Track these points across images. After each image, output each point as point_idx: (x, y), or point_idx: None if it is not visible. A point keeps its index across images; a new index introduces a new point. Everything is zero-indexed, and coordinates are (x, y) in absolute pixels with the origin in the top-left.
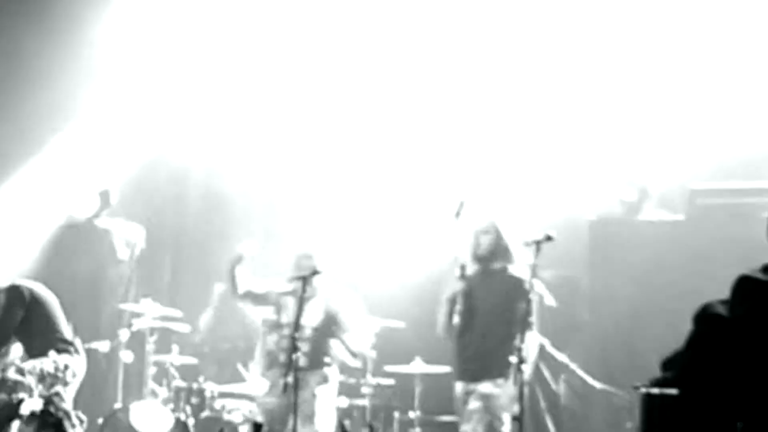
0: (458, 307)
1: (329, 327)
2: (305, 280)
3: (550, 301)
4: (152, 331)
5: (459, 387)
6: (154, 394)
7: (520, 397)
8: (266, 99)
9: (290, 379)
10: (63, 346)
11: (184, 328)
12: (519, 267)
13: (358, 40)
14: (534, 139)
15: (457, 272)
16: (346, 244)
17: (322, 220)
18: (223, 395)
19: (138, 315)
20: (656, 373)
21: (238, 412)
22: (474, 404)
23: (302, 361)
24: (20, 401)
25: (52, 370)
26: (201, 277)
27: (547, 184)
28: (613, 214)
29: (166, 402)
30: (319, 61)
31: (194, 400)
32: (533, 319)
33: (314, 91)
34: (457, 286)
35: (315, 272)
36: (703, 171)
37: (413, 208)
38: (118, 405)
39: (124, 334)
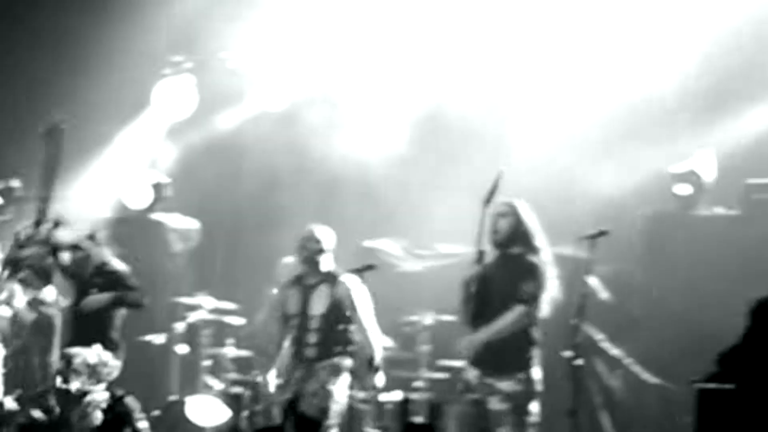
0: (472, 291)
1: (336, 313)
2: (361, 273)
3: (604, 295)
4: (206, 324)
5: (472, 374)
6: (208, 386)
7: (576, 391)
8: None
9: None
10: (110, 344)
11: (238, 321)
12: (540, 254)
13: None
14: (588, 131)
15: (475, 257)
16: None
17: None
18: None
19: (193, 308)
20: (711, 367)
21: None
22: (500, 406)
23: (310, 352)
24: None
25: (94, 363)
26: (254, 270)
27: (602, 178)
28: (668, 209)
29: (220, 395)
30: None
31: (248, 392)
32: (531, 299)
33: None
34: (473, 270)
35: (370, 267)
36: (759, 166)
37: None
38: (173, 397)
39: (179, 327)
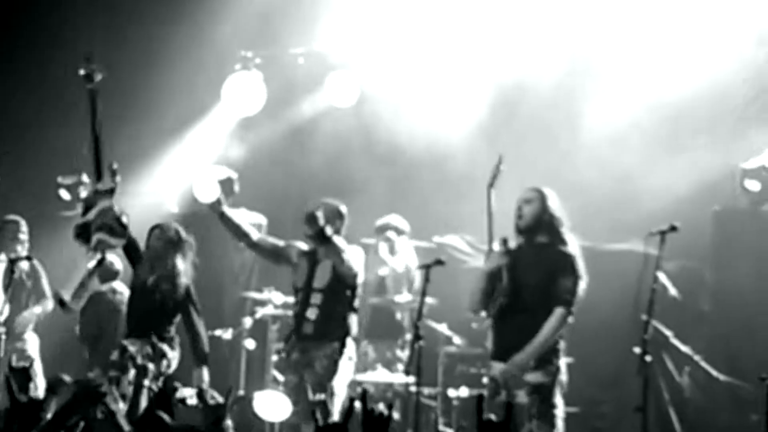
0: (501, 283)
1: (337, 286)
2: (430, 269)
3: (673, 292)
4: (274, 319)
5: (498, 367)
6: (275, 381)
7: (645, 387)
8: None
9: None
10: (168, 335)
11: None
12: (570, 246)
13: None
14: (659, 126)
15: (499, 246)
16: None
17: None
18: None
19: (261, 303)
20: None
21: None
22: (527, 399)
23: (308, 329)
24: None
25: (151, 353)
26: None
27: (672, 174)
28: (738, 205)
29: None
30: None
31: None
32: (572, 299)
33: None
34: (500, 260)
35: (439, 262)
36: None
37: None
38: (240, 392)
39: (246, 322)
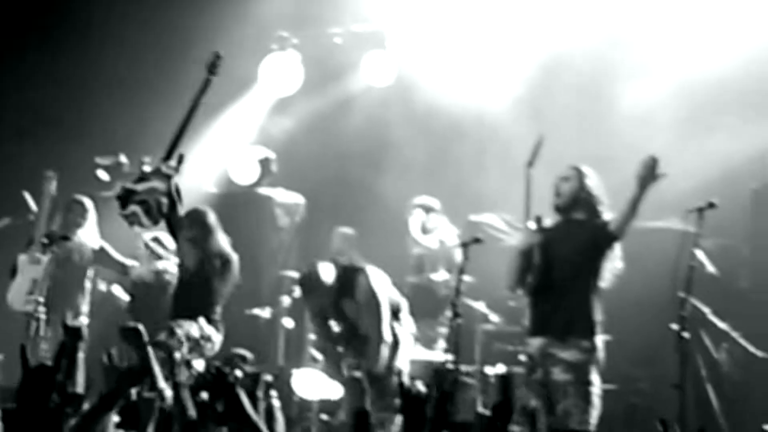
0: (535, 261)
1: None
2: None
3: (711, 269)
4: None
5: (536, 343)
6: (313, 360)
7: (682, 364)
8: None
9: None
10: (214, 318)
11: None
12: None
13: None
14: (698, 103)
15: (532, 224)
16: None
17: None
18: None
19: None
20: None
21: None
22: (563, 376)
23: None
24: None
25: (197, 336)
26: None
27: (711, 151)
28: None
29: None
30: None
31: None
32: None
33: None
34: (533, 238)
35: (476, 240)
36: None
37: None
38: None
39: (285, 301)
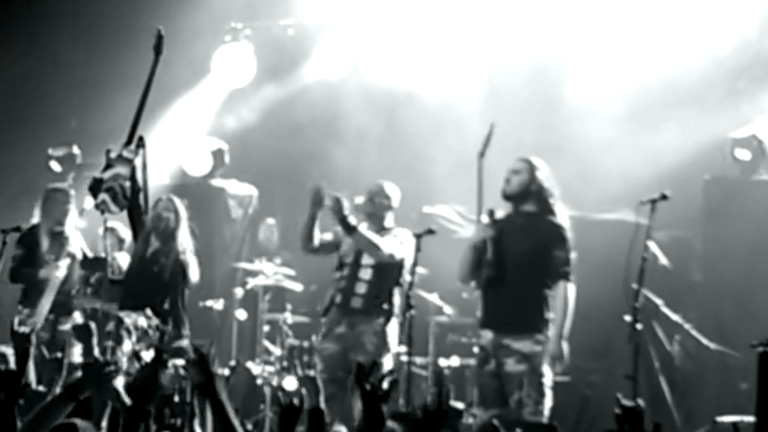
0: (487, 255)
1: (387, 268)
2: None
3: (664, 260)
4: (266, 289)
5: (488, 335)
6: (267, 352)
7: (635, 355)
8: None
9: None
10: (164, 309)
11: (297, 286)
12: (559, 216)
13: None
14: (650, 96)
15: (485, 217)
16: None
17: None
18: None
19: (252, 274)
20: None
21: None
22: (516, 367)
23: (356, 303)
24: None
25: (145, 326)
26: None
27: (664, 143)
28: (729, 174)
29: (279, 360)
30: None
31: (306, 358)
32: (570, 269)
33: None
34: (486, 232)
35: (429, 231)
36: None
37: None
38: (232, 362)
39: (238, 293)
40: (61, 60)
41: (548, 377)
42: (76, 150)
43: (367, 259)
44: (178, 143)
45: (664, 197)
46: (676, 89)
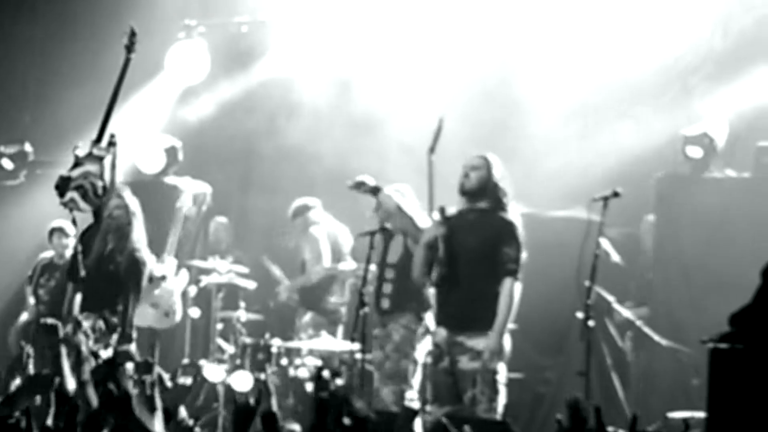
0: (439, 253)
1: (408, 260)
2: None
3: (616, 257)
4: (219, 287)
5: (442, 333)
6: (220, 350)
7: (587, 352)
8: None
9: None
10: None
11: (250, 284)
12: (510, 213)
13: None
14: (603, 94)
15: (436, 215)
16: None
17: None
18: (289, 351)
19: (205, 272)
20: (724, 328)
21: (303, 368)
22: (470, 364)
23: (385, 304)
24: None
25: (103, 328)
26: (264, 234)
27: (616, 141)
28: (680, 171)
29: (233, 358)
30: None
31: (260, 356)
32: (517, 267)
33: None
34: (438, 230)
35: (383, 229)
36: None
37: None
38: (185, 360)
39: (191, 291)
40: (15, 56)
41: (502, 374)
42: (28, 147)
43: (391, 258)
44: (131, 141)
45: (615, 194)
46: (629, 87)
